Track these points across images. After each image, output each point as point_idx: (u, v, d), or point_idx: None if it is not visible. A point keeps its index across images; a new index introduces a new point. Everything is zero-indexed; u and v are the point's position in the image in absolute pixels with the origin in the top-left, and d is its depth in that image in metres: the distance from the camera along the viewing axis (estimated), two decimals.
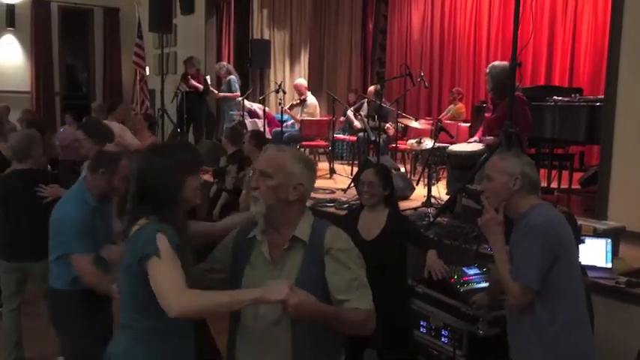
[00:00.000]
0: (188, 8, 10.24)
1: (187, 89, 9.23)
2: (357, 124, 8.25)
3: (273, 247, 1.98)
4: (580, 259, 2.62)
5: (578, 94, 6.05)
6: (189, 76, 8.98)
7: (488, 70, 5.32)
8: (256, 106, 9.02)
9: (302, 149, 8.81)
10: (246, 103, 8.68)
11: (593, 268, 3.47)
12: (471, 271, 3.49)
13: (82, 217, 2.90)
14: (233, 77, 9.08)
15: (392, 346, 3.22)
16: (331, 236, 1.96)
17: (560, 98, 5.72)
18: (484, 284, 3.29)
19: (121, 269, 2.01)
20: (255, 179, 1.97)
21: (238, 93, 9.04)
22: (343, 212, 4.91)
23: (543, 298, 2.33)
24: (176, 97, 9.12)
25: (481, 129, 5.52)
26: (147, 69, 10.86)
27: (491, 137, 5.13)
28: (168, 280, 1.82)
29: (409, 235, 3.36)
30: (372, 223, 3.22)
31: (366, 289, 1.91)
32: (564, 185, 6.24)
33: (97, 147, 4.00)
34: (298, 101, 8.91)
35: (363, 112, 7.94)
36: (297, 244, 1.96)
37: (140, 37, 10.62)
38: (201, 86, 8.80)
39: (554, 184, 6.15)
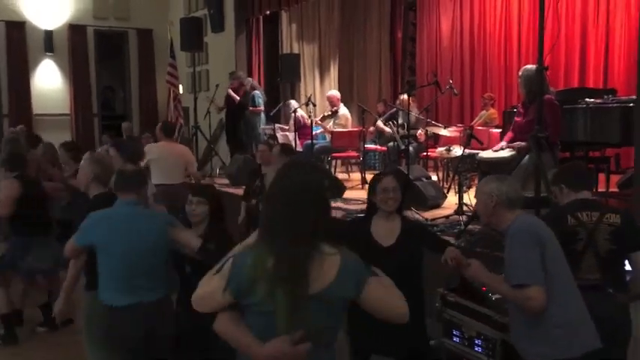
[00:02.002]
0: (218, 26, 10.43)
1: (220, 106, 9.36)
2: (388, 130, 8.22)
3: None
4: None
5: (611, 95, 5.92)
6: (231, 89, 9.04)
7: (520, 74, 5.28)
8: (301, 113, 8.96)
9: (333, 160, 8.87)
10: (299, 111, 8.69)
11: (628, 272, 3.39)
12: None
13: None
14: (257, 92, 9.18)
15: (412, 357, 3.19)
16: None
17: (592, 100, 5.62)
18: None
19: None
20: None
21: (262, 108, 9.12)
22: None
23: None
24: (209, 114, 9.27)
25: (509, 133, 5.47)
26: (180, 87, 11.09)
27: (520, 142, 5.08)
28: None
29: (425, 239, 3.31)
30: (387, 230, 3.19)
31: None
32: (601, 188, 6.11)
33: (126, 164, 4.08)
34: (330, 113, 8.97)
35: (400, 120, 7.88)
36: None
37: (173, 56, 10.87)
38: (237, 97, 8.82)
39: None
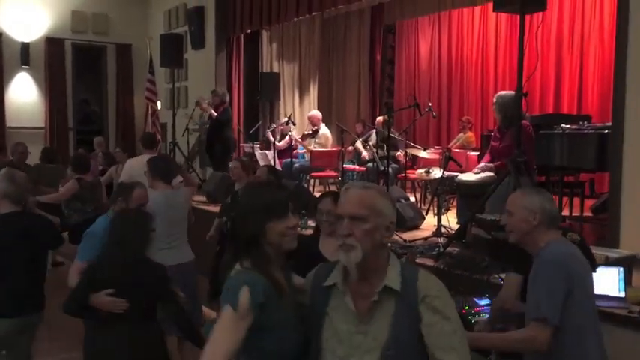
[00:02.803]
0: (199, 44, 10.42)
1: (197, 123, 9.32)
2: (365, 154, 8.29)
3: (358, 297, 1.78)
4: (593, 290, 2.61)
5: (586, 122, 6.06)
6: (212, 106, 9.02)
7: (495, 100, 5.37)
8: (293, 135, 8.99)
9: (312, 180, 8.88)
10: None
11: (606, 297, 3.44)
12: (482, 302, 3.46)
13: None
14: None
15: None
16: (425, 281, 1.76)
17: (568, 126, 5.74)
18: None
19: None
20: (347, 225, 1.76)
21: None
22: None
23: (556, 332, 2.33)
24: (187, 131, 9.21)
25: (487, 157, 5.55)
26: (158, 103, 11.03)
27: (490, 164, 5.18)
28: (213, 343, 1.72)
29: None
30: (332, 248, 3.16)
31: (466, 342, 1.76)
32: (576, 213, 6.21)
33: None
34: (310, 132, 9.00)
35: (372, 142, 7.99)
36: (387, 294, 1.75)
37: (152, 72, 10.81)
38: (213, 112, 8.80)
39: (565, 212, 6.12)
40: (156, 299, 3.15)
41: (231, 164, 5.55)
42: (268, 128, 9.41)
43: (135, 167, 6.03)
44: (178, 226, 4.38)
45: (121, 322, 2.97)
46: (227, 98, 9.18)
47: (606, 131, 5.21)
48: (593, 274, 3.44)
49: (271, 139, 8.82)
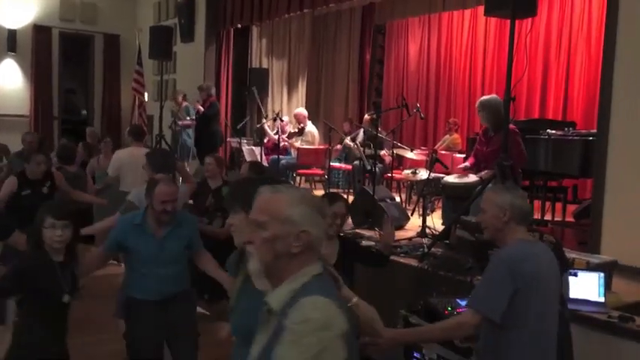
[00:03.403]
0: (188, 36, 10.37)
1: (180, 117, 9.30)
2: (355, 147, 8.30)
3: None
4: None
5: (571, 128, 6.14)
6: (183, 100, 9.02)
7: (482, 104, 5.39)
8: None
9: (298, 177, 8.89)
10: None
11: (587, 302, 3.50)
12: (465, 303, 3.50)
13: None
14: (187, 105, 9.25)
15: None
16: (298, 309, 1.51)
17: (554, 132, 5.80)
18: None
19: None
20: (248, 232, 1.65)
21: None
22: None
23: (502, 329, 2.41)
24: (174, 124, 9.17)
25: (471, 158, 5.60)
26: (145, 95, 10.95)
27: (487, 171, 5.20)
28: None
29: (359, 255, 3.50)
30: (329, 250, 3.19)
31: None
32: (558, 217, 6.29)
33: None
34: (297, 129, 9.01)
35: (359, 140, 8.01)
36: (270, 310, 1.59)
37: (140, 63, 10.73)
38: (200, 107, 8.79)
39: (547, 216, 6.20)
40: None
41: (206, 160, 5.36)
42: (258, 124, 9.41)
43: (123, 159, 6.01)
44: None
45: None
46: (213, 91, 9.18)
47: (591, 138, 5.28)
48: (574, 278, 3.52)
49: (268, 130, 8.83)
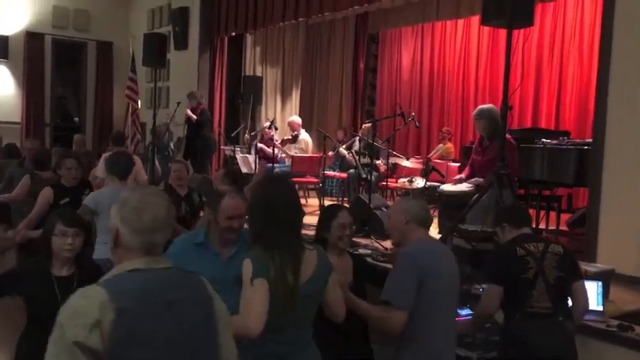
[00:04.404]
0: (182, 44, 10.35)
1: (179, 124, 9.28)
2: (349, 158, 8.29)
3: None
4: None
5: (566, 137, 6.17)
6: (189, 109, 8.97)
7: (481, 114, 5.40)
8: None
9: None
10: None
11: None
12: (464, 312, 3.50)
13: None
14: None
15: None
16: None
17: (548, 141, 5.83)
18: None
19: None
20: None
21: None
22: None
23: (411, 320, 2.62)
24: (168, 131, 9.14)
25: (467, 169, 5.61)
26: (139, 102, 10.92)
27: (478, 179, 5.22)
28: None
29: (371, 275, 3.27)
30: (341, 268, 2.93)
31: None
32: (552, 226, 6.31)
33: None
34: (291, 137, 9.01)
35: (355, 148, 8.02)
36: None
37: (133, 70, 10.70)
38: (193, 116, 8.79)
39: (542, 225, 6.21)
40: None
41: (174, 166, 5.17)
42: (252, 132, 9.40)
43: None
44: None
45: None
46: (204, 100, 9.19)
47: (586, 147, 5.31)
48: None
49: (260, 144, 8.79)
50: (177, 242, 3.00)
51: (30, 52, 11.30)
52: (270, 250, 2.30)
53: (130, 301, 1.58)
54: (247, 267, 2.28)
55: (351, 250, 3.73)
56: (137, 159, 6.47)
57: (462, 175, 5.66)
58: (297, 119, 9.26)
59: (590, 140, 5.11)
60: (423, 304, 2.62)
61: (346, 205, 6.72)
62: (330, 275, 2.43)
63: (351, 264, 3.10)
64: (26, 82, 11.32)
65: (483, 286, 3.73)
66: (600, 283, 3.59)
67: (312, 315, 2.41)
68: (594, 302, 3.52)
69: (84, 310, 1.53)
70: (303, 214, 2.60)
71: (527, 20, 4.38)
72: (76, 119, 12.68)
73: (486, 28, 8.61)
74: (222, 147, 9.47)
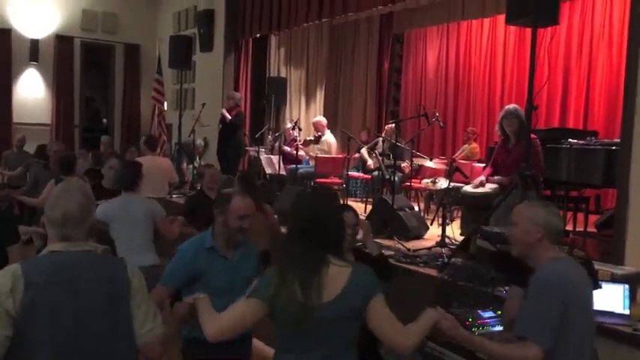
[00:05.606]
0: (207, 46, 10.44)
1: (201, 124, 9.33)
2: (370, 163, 8.28)
3: None
4: (593, 308, 2.57)
5: (594, 137, 6.05)
6: (226, 109, 8.98)
7: (510, 112, 5.34)
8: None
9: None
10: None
11: (611, 314, 3.43)
12: (486, 314, 3.45)
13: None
14: None
15: None
16: None
17: (575, 141, 5.73)
18: (499, 327, 3.25)
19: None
20: None
21: None
22: None
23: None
24: (193, 132, 9.22)
25: (488, 169, 5.55)
26: (165, 104, 11.05)
27: (503, 177, 5.17)
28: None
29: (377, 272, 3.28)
30: None
31: None
32: (580, 228, 6.19)
33: None
34: (314, 137, 9.01)
35: (378, 149, 7.99)
36: None
37: (160, 72, 10.84)
38: (228, 115, 8.76)
39: (569, 227, 6.11)
40: None
41: (206, 170, 5.33)
42: (276, 133, 9.43)
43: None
44: (137, 230, 4.40)
45: None
46: (241, 103, 9.20)
47: (614, 147, 5.20)
48: (598, 290, 3.45)
49: (285, 147, 8.79)
50: (189, 249, 3.02)
51: (60, 55, 11.53)
52: (284, 265, 2.14)
53: (38, 277, 1.92)
54: (255, 281, 2.29)
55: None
56: (167, 160, 6.58)
57: (482, 178, 5.59)
58: (323, 120, 9.27)
59: (619, 140, 5.00)
60: (566, 337, 2.28)
61: (370, 206, 6.71)
62: (373, 298, 2.11)
63: (352, 259, 3.11)
64: (56, 84, 11.55)
65: (507, 288, 3.69)
66: (627, 286, 3.51)
67: (344, 340, 2.15)
68: (620, 306, 3.46)
69: (2, 280, 1.92)
70: (344, 230, 2.51)
71: (552, 19, 4.32)
72: (105, 121, 12.89)
73: (513, 27, 8.50)
74: (246, 148, 9.52)
